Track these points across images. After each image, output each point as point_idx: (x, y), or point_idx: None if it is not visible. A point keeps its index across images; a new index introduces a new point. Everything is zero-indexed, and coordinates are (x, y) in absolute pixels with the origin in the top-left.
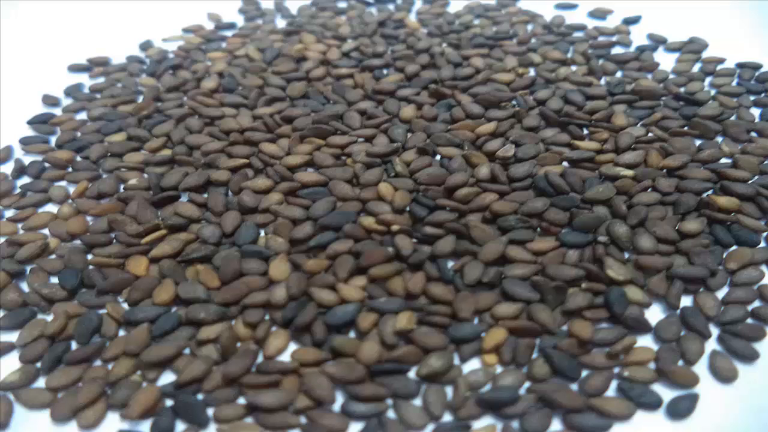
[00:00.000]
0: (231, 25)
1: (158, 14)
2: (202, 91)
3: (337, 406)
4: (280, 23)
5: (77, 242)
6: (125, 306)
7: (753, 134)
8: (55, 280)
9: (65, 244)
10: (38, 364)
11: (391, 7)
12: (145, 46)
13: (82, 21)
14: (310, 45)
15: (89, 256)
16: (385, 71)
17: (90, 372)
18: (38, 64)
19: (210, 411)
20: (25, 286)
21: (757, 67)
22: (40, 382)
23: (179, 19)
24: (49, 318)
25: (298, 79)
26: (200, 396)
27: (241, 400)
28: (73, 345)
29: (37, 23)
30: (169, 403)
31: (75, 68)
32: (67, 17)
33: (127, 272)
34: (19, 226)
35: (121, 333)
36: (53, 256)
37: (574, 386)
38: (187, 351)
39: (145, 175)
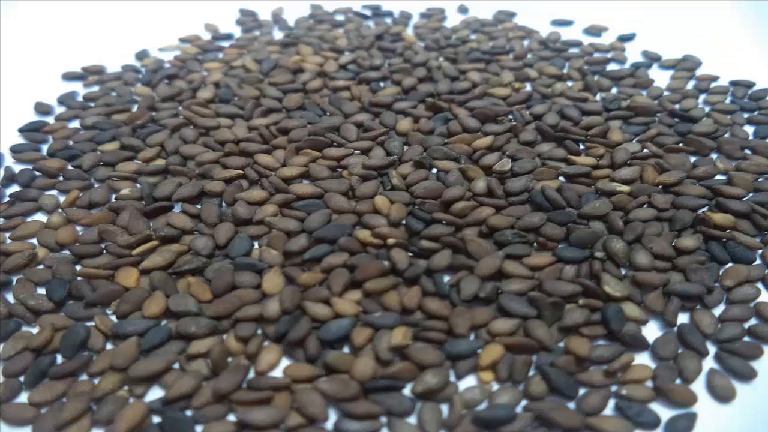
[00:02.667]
0: (228, 36)
1: (155, 24)
2: (198, 101)
3: (329, 424)
4: (278, 35)
5: (66, 252)
6: (114, 319)
7: (747, 151)
8: (42, 291)
9: (53, 254)
10: (22, 378)
11: (388, 20)
12: (141, 55)
13: (77, 29)
14: (307, 57)
15: (78, 267)
16: (382, 84)
17: (75, 387)
18: (32, 71)
19: (199, 428)
20: (10, 297)
21: (750, 85)
22: (23, 397)
23: (176, 29)
24: (35, 330)
25: (295, 90)
26: (189, 413)
27: (231, 417)
28: (59, 359)
29: (31, 31)
30: (156, 419)
31: (69, 76)
32: (61, 25)
33: (117, 284)
34: (7, 235)
35: (109, 346)
36: (41, 267)
37: (572, 404)
38: (176, 366)
39: (138, 185)
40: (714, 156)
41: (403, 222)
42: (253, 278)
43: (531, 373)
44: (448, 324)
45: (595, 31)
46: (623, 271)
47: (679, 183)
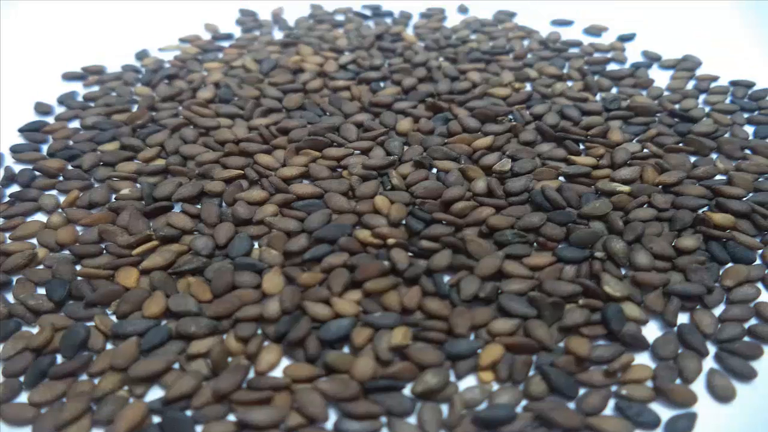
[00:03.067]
0: (228, 36)
1: (155, 24)
2: (198, 101)
3: (329, 424)
4: (278, 35)
5: (66, 252)
6: (114, 319)
7: (747, 151)
8: (42, 291)
9: (53, 254)
10: (22, 378)
11: (388, 20)
12: (141, 55)
13: (77, 29)
14: (307, 57)
15: (78, 267)
16: (382, 84)
17: (75, 387)
18: (32, 71)
19: (199, 428)
20: (10, 297)
21: (750, 85)
22: (23, 397)
23: (176, 29)
24: (35, 330)
25: (295, 90)
26: (189, 413)
27: (231, 417)
28: (59, 359)
29: (31, 31)
30: (156, 419)
31: (69, 76)
32: (61, 25)
33: (117, 284)
34: (7, 235)
35: (109, 346)
36: (41, 267)
37: (572, 404)
38: (176, 366)
39: (138, 185)
40: (714, 156)
41: (403, 222)
42: (253, 278)
43: (531, 373)
44: (448, 324)
45: (595, 31)
46: (623, 271)
47: (679, 183)
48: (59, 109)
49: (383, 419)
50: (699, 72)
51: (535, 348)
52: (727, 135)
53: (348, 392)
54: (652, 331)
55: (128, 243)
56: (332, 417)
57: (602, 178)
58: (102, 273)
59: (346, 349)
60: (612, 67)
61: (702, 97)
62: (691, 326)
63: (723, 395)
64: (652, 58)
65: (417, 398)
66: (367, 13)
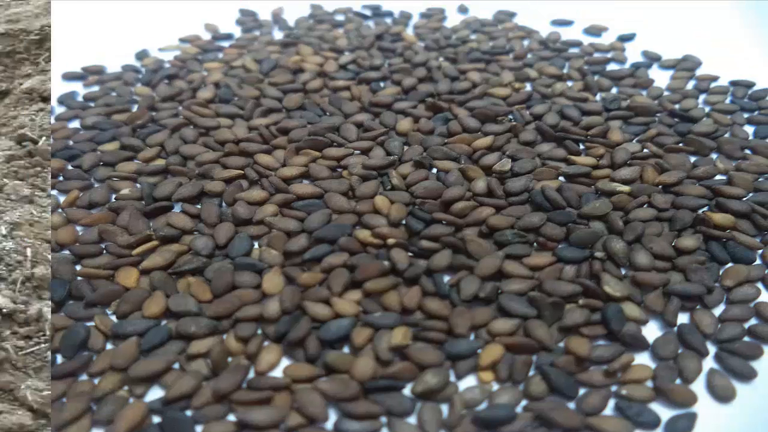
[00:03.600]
0: (228, 36)
1: (155, 24)
2: (198, 101)
3: (329, 424)
4: (278, 35)
5: (66, 252)
6: (114, 319)
7: (747, 151)
8: None
9: (54, 254)
10: None
11: (388, 20)
12: (141, 55)
13: (77, 29)
14: (307, 57)
15: (78, 267)
16: (382, 84)
17: (76, 386)
18: None
19: (199, 428)
20: None
21: (750, 85)
22: None
23: (176, 29)
24: None
25: (295, 90)
26: (189, 413)
27: (231, 417)
28: (59, 358)
29: None
30: (156, 419)
31: (69, 76)
32: (61, 25)
33: (117, 284)
34: None
35: (109, 346)
36: None
37: (572, 404)
38: (176, 366)
39: (138, 185)
40: (714, 156)
41: (403, 222)
42: (253, 278)
43: (531, 373)
44: (448, 324)
45: (595, 31)
46: (623, 271)
47: (679, 183)
48: (59, 109)
49: (383, 419)
50: (699, 72)
51: (535, 348)
52: (727, 135)
53: (348, 392)
54: (652, 331)
55: (128, 243)
56: (332, 417)
57: (602, 178)
58: (102, 273)
59: (346, 349)
60: (612, 67)
61: (702, 97)
62: (691, 326)
63: (723, 395)
64: (652, 58)
65: (417, 398)
66: (367, 13)
